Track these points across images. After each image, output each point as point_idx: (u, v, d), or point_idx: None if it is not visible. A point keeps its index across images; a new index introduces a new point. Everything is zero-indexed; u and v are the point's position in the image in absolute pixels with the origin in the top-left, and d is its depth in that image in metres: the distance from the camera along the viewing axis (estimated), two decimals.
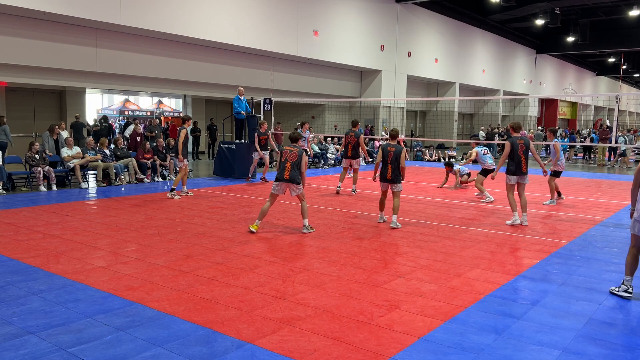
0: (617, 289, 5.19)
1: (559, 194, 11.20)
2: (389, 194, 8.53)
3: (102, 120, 20.28)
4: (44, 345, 3.86)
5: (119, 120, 27.77)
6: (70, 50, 14.61)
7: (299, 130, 14.31)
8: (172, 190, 10.73)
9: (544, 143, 25.66)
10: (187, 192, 11.04)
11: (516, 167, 8.40)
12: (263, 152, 13.42)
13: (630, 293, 5.10)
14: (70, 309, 4.55)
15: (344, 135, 12.28)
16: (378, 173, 8.42)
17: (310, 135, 14.47)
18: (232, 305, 4.70)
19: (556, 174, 10.79)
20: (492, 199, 11.00)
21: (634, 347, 4.02)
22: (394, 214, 8.17)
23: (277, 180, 7.56)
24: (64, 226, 7.86)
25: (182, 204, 10.01)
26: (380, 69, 24.15)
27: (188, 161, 10.78)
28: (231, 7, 17.30)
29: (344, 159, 12.09)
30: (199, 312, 4.53)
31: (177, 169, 11.02)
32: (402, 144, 8.62)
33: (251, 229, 7.54)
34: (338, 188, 11.89)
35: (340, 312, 4.59)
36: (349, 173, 12.71)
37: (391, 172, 8.12)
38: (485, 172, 11.26)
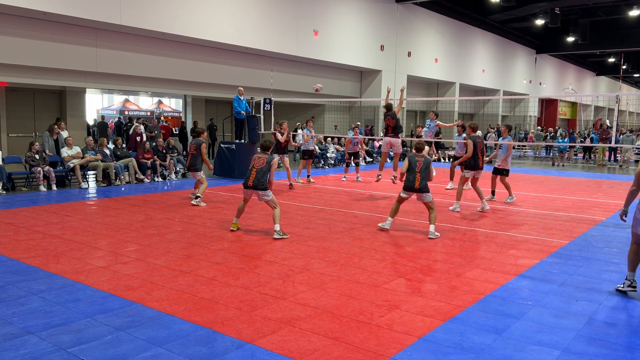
0: (622, 286, 5.22)
1: (493, 193, 10.99)
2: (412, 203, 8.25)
3: (128, 121, 21.08)
4: (44, 345, 3.86)
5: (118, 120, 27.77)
6: (70, 50, 14.60)
7: (305, 128, 14.30)
8: (197, 197, 10.23)
9: (544, 143, 25.69)
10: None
11: (475, 162, 9.48)
12: (281, 155, 12.69)
13: (635, 287, 5.13)
14: (70, 309, 4.55)
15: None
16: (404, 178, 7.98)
17: (312, 134, 14.37)
18: (232, 305, 4.70)
19: (506, 172, 10.75)
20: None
21: (634, 347, 4.02)
22: (431, 223, 7.71)
23: (243, 186, 7.59)
24: (64, 226, 7.86)
25: (182, 204, 10.01)
26: (380, 69, 24.14)
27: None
28: (231, 7, 17.29)
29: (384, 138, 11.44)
30: (199, 312, 4.53)
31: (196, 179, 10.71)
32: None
33: (232, 229, 7.69)
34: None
35: (340, 312, 4.59)
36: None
37: (420, 181, 7.68)
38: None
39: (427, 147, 8.17)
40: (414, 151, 8.18)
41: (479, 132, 10.26)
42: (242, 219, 8.60)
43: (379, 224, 8.15)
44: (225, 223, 8.26)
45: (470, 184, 9.92)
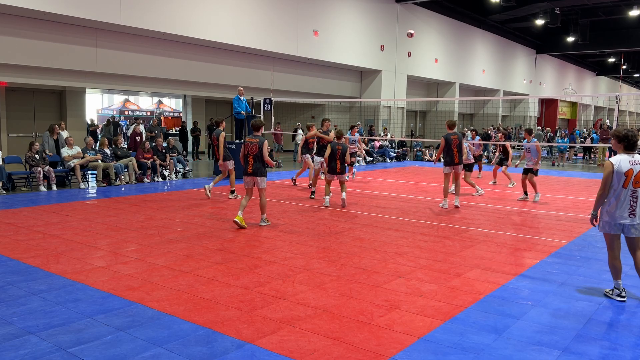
0: (610, 292, 5.17)
1: (526, 193, 11.39)
2: (334, 182, 10.37)
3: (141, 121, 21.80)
4: (44, 345, 3.86)
5: (119, 120, 27.79)
6: (70, 50, 14.60)
7: (348, 134, 14.53)
8: (232, 192, 11.10)
9: (545, 143, 25.67)
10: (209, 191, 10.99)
11: (450, 158, 9.86)
12: (305, 155, 12.23)
13: (624, 297, 5.05)
14: (70, 309, 4.55)
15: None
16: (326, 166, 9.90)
17: (359, 138, 14.62)
18: (232, 305, 4.70)
19: (534, 172, 11.06)
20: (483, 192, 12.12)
21: (634, 347, 4.02)
22: (343, 191, 9.98)
23: (244, 174, 8.12)
24: (64, 226, 7.86)
25: (182, 204, 10.01)
26: (380, 69, 24.14)
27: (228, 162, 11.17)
28: (231, 7, 17.29)
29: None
30: (199, 312, 4.53)
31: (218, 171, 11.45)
32: (347, 142, 11.88)
33: (235, 220, 7.86)
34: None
35: (340, 312, 4.59)
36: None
37: (340, 166, 9.77)
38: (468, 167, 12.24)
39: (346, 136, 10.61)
40: (335, 139, 9.97)
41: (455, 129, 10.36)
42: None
43: (323, 204, 9.96)
44: (225, 223, 8.26)
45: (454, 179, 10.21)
